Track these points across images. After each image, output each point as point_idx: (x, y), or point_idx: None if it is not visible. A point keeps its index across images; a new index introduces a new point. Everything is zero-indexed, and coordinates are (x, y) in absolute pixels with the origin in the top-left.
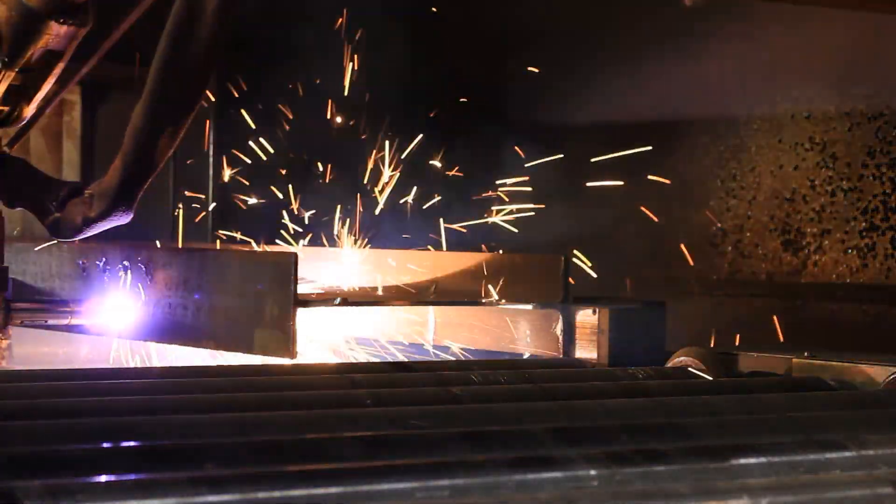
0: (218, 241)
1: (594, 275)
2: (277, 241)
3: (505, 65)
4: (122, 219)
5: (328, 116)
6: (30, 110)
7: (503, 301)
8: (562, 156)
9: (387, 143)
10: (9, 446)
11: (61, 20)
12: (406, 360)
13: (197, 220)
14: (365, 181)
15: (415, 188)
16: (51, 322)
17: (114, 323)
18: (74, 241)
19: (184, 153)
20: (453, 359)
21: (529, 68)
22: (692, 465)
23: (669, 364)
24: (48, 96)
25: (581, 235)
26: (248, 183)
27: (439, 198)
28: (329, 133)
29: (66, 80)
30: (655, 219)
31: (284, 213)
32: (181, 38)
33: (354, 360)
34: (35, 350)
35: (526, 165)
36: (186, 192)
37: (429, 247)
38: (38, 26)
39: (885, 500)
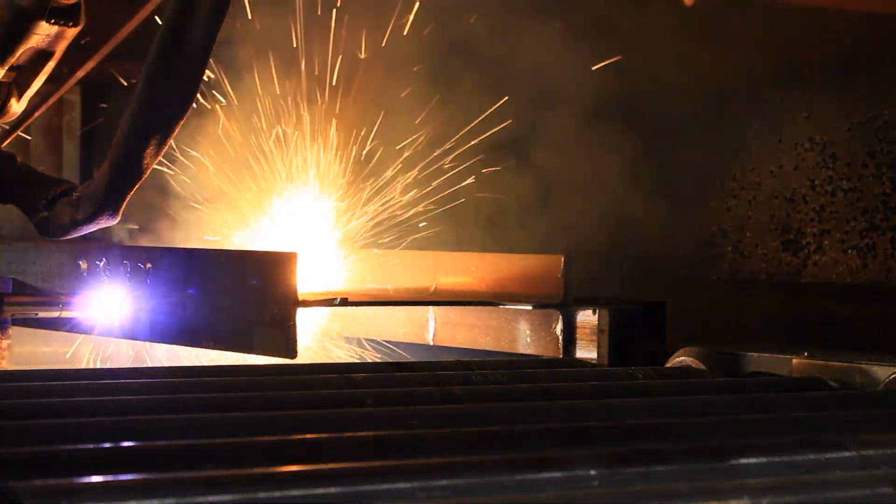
0: None
1: None
2: None
3: None
4: (109, 222)
5: None
6: (20, 107)
7: (503, 301)
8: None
9: None
10: (9, 446)
11: (52, 20)
12: (406, 360)
13: None
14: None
15: None
16: (42, 315)
17: (114, 323)
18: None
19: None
20: (453, 359)
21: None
22: (692, 465)
23: (669, 364)
24: (42, 94)
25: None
26: None
27: None
28: None
29: (62, 81)
30: (655, 218)
31: None
32: (171, 45)
33: (355, 360)
34: (35, 350)
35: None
36: None
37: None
38: (28, 26)
39: (885, 500)
